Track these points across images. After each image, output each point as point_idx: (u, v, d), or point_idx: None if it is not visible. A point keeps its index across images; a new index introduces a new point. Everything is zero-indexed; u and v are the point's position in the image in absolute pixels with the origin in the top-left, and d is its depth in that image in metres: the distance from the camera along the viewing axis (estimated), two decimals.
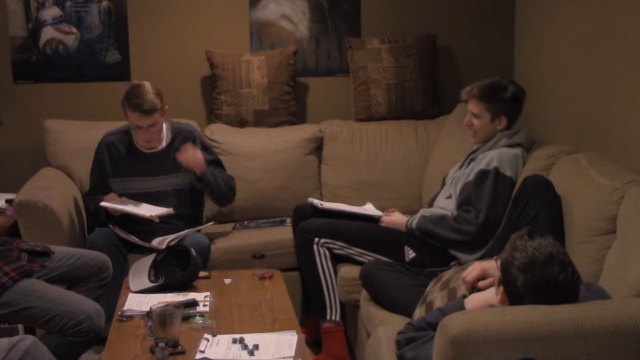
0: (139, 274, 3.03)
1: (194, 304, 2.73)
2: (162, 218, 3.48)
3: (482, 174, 3.18)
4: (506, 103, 3.27)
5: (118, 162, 3.62)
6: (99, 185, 3.64)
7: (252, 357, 2.33)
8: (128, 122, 3.52)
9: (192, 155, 3.49)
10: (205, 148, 3.69)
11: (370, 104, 4.25)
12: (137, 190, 3.59)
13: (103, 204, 3.46)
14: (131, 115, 3.45)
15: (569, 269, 2.03)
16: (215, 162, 3.69)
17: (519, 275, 2.03)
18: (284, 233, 3.72)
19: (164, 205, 3.55)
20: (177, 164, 3.58)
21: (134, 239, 3.49)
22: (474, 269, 2.50)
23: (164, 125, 3.62)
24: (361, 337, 3.17)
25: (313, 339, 3.47)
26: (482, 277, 2.51)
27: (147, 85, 3.48)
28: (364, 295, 3.11)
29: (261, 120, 4.21)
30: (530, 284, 2.02)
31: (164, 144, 3.62)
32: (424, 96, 4.27)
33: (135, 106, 3.41)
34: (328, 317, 3.33)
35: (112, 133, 3.68)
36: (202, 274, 3.10)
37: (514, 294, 2.06)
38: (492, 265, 2.39)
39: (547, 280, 2.01)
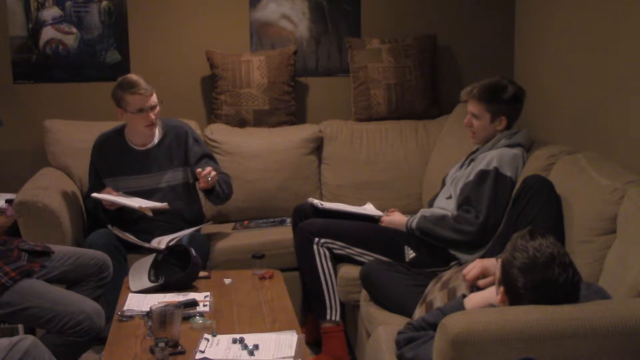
0: (139, 274, 3.03)
1: (194, 304, 2.73)
2: (156, 212, 3.47)
3: (482, 174, 3.18)
4: (506, 103, 3.27)
5: (111, 162, 3.63)
6: (97, 186, 3.64)
7: (252, 357, 2.33)
8: (128, 111, 3.51)
9: (212, 176, 3.46)
10: (197, 141, 3.71)
11: (370, 104, 4.25)
12: (131, 188, 3.59)
13: (95, 195, 3.47)
14: (133, 99, 3.48)
15: (570, 270, 2.02)
16: (206, 156, 3.70)
17: (519, 276, 2.03)
18: (284, 233, 3.72)
19: (159, 201, 3.55)
20: (170, 159, 3.61)
21: (133, 239, 3.49)
22: (474, 267, 2.51)
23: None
24: (361, 337, 3.17)
25: (313, 339, 3.46)
26: (483, 275, 2.52)
27: (133, 74, 3.57)
28: (364, 295, 3.11)
29: (261, 120, 4.21)
30: (531, 284, 2.02)
31: (155, 140, 3.63)
32: (424, 96, 4.27)
33: (135, 88, 3.48)
34: (328, 317, 3.33)
35: (104, 134, 3.72)
36: (202, 274, 3.10)
37: (514, 295, 2.06)
38: (492, 263, 2.39)
39: (547, 281, 2.01)
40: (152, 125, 3.56)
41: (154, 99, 3.52)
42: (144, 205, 3.43)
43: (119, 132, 3.67)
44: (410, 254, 3.24)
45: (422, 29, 4.35)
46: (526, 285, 2.02)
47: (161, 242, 3.45)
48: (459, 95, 3.44)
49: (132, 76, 3.55)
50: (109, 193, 3.52)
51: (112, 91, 3.55)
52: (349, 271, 3.30)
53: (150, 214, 3.45)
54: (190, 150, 3.66)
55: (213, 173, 3.46)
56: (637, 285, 2.18)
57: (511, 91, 3.27)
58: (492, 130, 3.29)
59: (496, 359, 1.94)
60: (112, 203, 3.47)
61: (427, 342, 2.18)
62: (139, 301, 2.82)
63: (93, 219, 3.69)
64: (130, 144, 3.64)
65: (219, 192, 3.58)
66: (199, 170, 3.46)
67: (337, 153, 4.16)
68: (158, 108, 3.56)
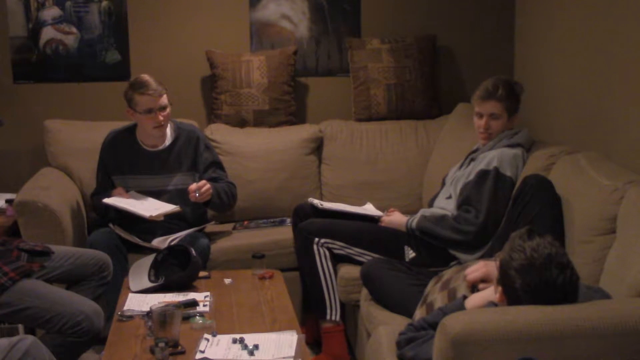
0: (139, 274, 3.03)
1: (194, 304, 2.74)
2: (168, 216, 3.48)
3: (482, 174, 3.18)
4: (518, 100, 3.28)
5: (121, 160, 3.64)
6: (105, 183, 3.65)
7: (252, 357, 2.33)
8: (137, 111, 3.51)
9: (200, 192, 3.47)
10: (208, 148, 3.72)
11: (370, 104, 4.25)
12: (138, 188, 3.60)
13: (106, 200, 3.47)
14: (141, 99, 3.48)
15: (568, 271, 2.01)
16: (215, 164, 3.71)
17: (517, 278, 2.02)
18: (284, 233, 3.72)
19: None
20: (179, 163, 3.62)
21: (134, 239, 3.49)
22: (478, 270, 2.46)
23: (168, 124, 3.65)
24: (361, 337, 3.17)
25: (313, 339, 3.47)
26: (485, 279, 2.50)
27: (146, 75, 3.56)
28: (364, 294, 3.11)
29: (261, 120, 4.21)
30: (529, 286, 2.01)
31: (166, 142, 3.64)
32: (424, 96, 4.27)
33: (144, 89, 3.48)
34: (328, 317, 3.33)
35: (115, 131, 3.72)
36: (202, 274, 3.10)
37: (512, 296, 2.05)
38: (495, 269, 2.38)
39: (545, 282, 2.00)
40: (160, 126, 3.55)
41: (163, 100, 3.51)
42: (154, 214, 3.42)
43: (131, 130, 3.67)
44: (410, 254, 3.24)
45: (422, 29, 4.35)
46: (524, 288, 2.01)
47: (162, 241, 3.45)
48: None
49: (144, 76, 3.54)
50: (120, 194, 3.53)
51: (124, 90, 3.55)
52: (349, 271, 3.30)
53: (162, 218, 3.45)
54: (200, 157, 3.66)
55: (205, 188, 3.46)
56: (637, 285, 2.18)
57: (518, 88, 3.28)
58: (506, 129, 3.28)
59: (496, 359, 1.94)
60: (121, 209, 3.47)
61: (427, 342, 2.18)
62: (139, 301, 2.82)
63: (96, 217, 3.70)
64: (141, 144, 3.64)
65: (216, 202, 3.58)
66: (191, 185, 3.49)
67: (337, 153, 4.15)
68: (168, 110, 3.55)
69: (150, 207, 3.48)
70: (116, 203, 3.46)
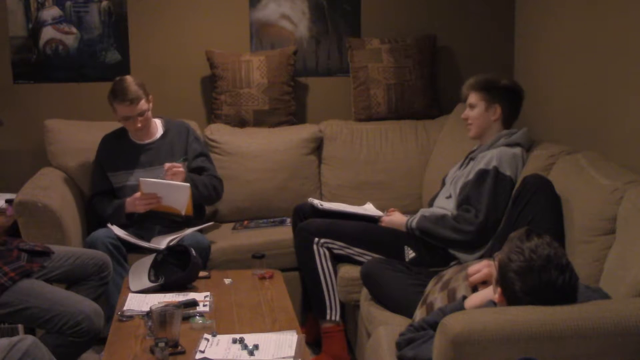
0: (139, 274, 3.03)
1: (194, 304, 2.73)
2: (167, 217, 3.51)
3: (482, 174, 3.18)
4: (499, 91, 3.29)
5: (115, 156, 3.69)
6: (103, 184, 3.67)
7: (252, 357, 2.33)
8: (117, 117, 3.60)
9: (171, 171, 3.50)
10: (197, 139, 3.79)
11: (370, 104, 4.25)
12: (133, 182, 3.60)
13: (142, 179, 3.48)
14: (119, 107, 3.55)
15: (567, 272, 2.01)
16: (204, 155, 3.75)
17: (516, 280, 2.02)
18: (284, 233, 3.72)
19: None
20: (172, 153, 3.66)
21: (133, 238, 3.49)
22: (480, 272, 2.44)
23: (158, 121, 3.73)
24: (361, 337, 3.17)
25: (313, 339, 3.47)
26: (487, 280, 2.50)
27: (129, 77, 3.61)
28: (364, 295, 3.11)
29: (261, 120, 4.21)
30: (529, 289, 2.00)
31: (157, 135, 3.69)
32: (424, 96, 4.27)
33: (121, 97, 3.52)
34: (328, 317, 3.33)
35: (109, 133, 3.79)
36: (202, 274, 3.10)
37: (511, 297, 2.05)
38: None
39: (545, 284, 1.99)
40: (140, 130, 3.60)
41: (140, 106, 3.54)
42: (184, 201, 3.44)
43: (122, 129, 3.73)
44: (410, 254, 3.24)
45: (422, 29, 4.35)
46: (524, 290, 2.01)
47: (161, 241, 3.45)
48: (459, 95, 3.45)
49: (124, 82, 3.56)
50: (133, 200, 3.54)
51: (109, 93, 3.59)
52: (349, 271, 3.30)
53: (190, 213, 3.48)
54: (190, 146, 3.72)
55: (175, 169, 3.48)
56: (637, 285, 2.18)
57: (505, 82, 3.30)
58: (486, 121, 3.30)
59: (496, 358, 1.94)
60: (150, 199, 3.46)
61: (427, 342, 2.18)
62: (139, 301, 2.82)
63: (95, 217, 3.70)
64: (132, 139, 3.69)
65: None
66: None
67: (337, 153, 4.15)
68: (147, 114, 3.59)
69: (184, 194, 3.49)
70: (156, 180, 3.47)
